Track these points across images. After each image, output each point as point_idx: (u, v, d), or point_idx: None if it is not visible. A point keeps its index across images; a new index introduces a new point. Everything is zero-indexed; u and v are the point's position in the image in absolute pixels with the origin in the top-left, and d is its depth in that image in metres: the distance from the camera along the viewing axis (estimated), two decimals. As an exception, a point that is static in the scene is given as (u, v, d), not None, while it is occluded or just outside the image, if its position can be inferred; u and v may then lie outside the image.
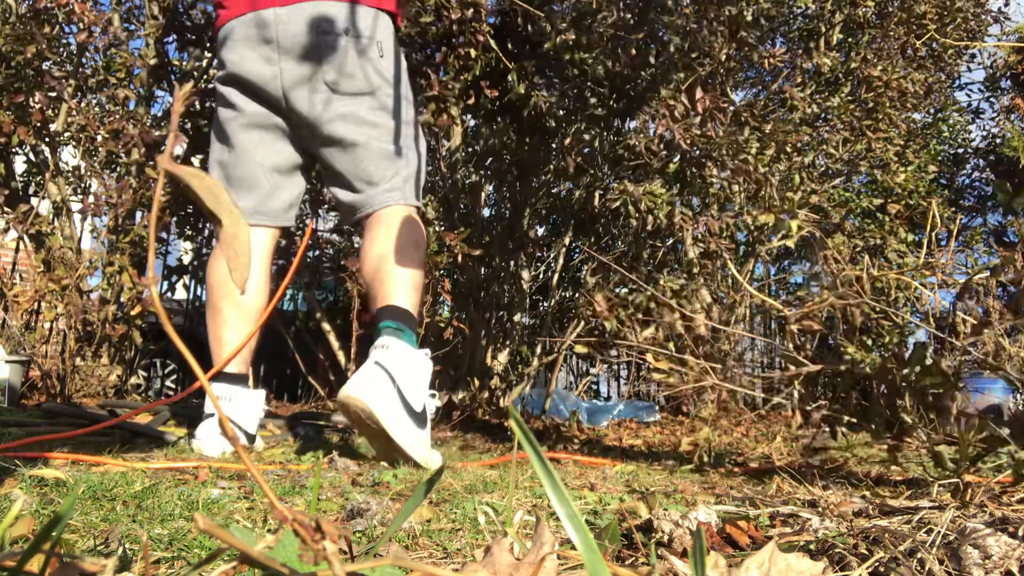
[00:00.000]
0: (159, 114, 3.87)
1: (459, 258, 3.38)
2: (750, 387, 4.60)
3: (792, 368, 1.61)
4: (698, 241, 3.90)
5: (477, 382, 3.91)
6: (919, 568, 0.75)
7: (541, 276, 4.83)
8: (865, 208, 5.45)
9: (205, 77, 3.78)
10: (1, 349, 2.99)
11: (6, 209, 3.27)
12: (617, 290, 3.99)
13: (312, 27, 1.90)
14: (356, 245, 4.06)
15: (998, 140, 7.68)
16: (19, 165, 3.69)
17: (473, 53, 3.24)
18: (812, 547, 0.85)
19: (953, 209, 6.72)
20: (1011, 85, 7.71)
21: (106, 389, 3.27)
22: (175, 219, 3.66)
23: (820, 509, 1.05)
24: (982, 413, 1.40)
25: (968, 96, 16.45)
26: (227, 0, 1.99)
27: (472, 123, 3.95)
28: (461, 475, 1.52)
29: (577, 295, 4.71)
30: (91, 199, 3.38)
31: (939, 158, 6.92)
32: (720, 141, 3.33)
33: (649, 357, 1.82)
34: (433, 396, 1.82)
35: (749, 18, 3.50)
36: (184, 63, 3.82)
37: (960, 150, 8.03)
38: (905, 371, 1.44)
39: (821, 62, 4.35)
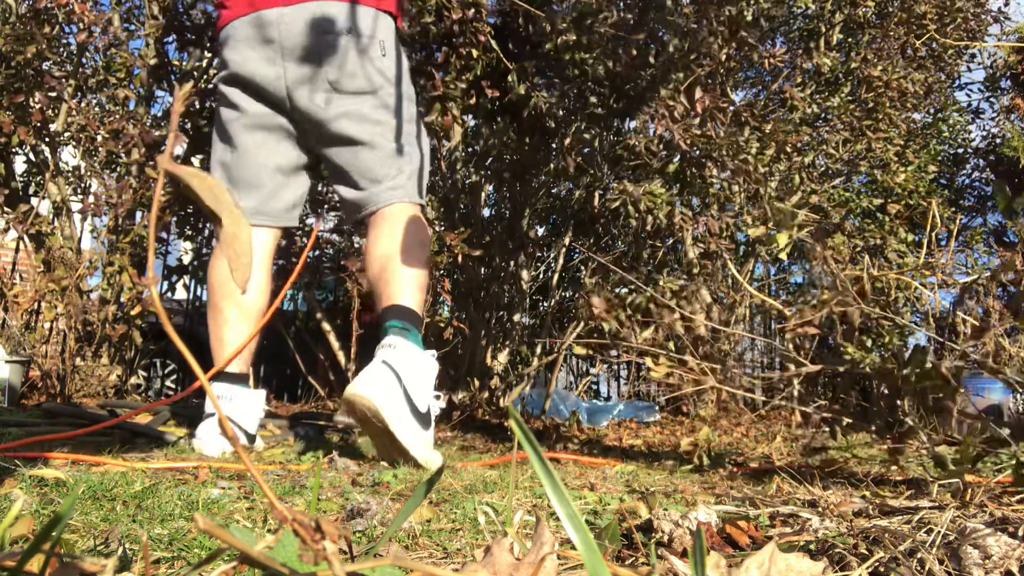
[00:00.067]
0: (159, 114, 3.87)
1: (459, 258, 3.38)
2: (750, 387, 4.60)
3: (792, 368, 1.61)
4: (698, 241, 3.90)
5: (477, 382, 3.91)
6: (919, 568, 0.75)
7: (541, 276, 4.83)
8: (865, 208, 5.45)
9: (205, 77, 3.78)
10: (1, 349, 2.99)
11: (6, 209, 3.27)
12: (617, 291, 3.99)
13: (314, 27, 1.91)
14: (356, 245, 4.06)
15: (998, 140, 7.68)
16: (19, 165, 3.69)
17: (475, 53, 3.24)
18: (812, 547, 0.85)
19: (953, 209, 6.72)
20: (1011, 85, 7.71)
21: (106, 389, 3.27)
22: (175, 219, 3.66)
23: (820, 509, 1.05)
24: (982, 413, 1.40)
25: (968, 96, 16.45)
26: (229, 0, 1.99)
27: (472, 123, 3.95)
28: (461, 475, 1.52)
29: (576, 296, 4.71)
30: (91, 199, 3.38)
31: (939, 158, 6.92)
32: (720, 141, 3.33)
33: (648, 360, 1.82)
34: (438, 398, 1.82)
35: (749, 18, 3.50)
36: (184, 63, 3.82)
37: (960, 150, 8.03)
38: (905, 372, 1.44)
39: (821, 62, 4.35)
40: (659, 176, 3.58)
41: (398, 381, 1.68)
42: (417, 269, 1.88)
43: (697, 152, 3.41)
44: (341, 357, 3.81)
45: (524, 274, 4.18)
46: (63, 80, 3.37)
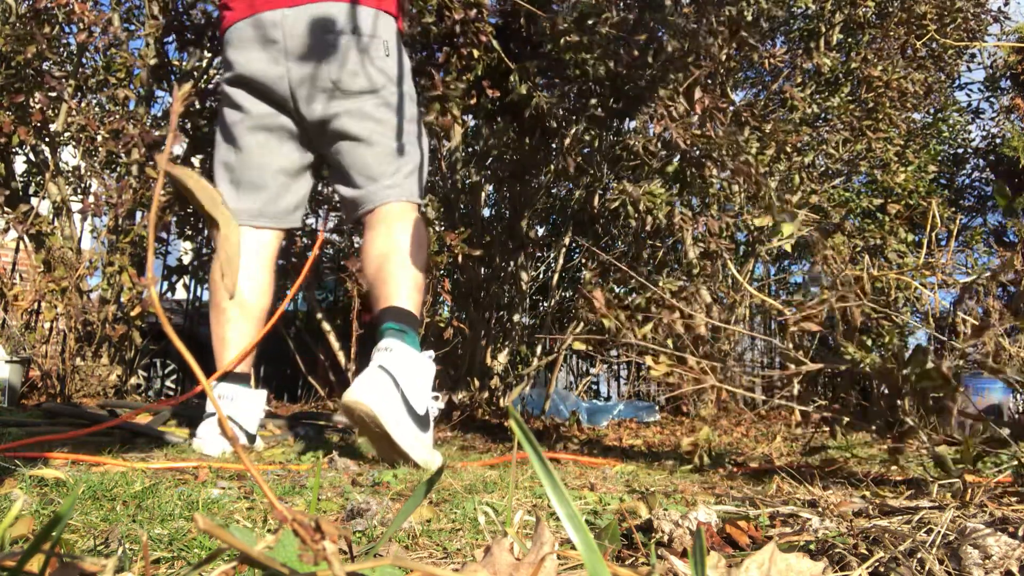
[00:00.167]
0: (159, 114, 3.87)
1: (459, 258, 3.38)
2: (750, 387, 4.60)
3: (792, 367, 1.61)
4: (698, 241, 3.90)
5: (477, 382, 3.91)
6: (919, 568, 0.75)
7: (541, 276, 4.83)
8: (865, 208, 5.45)
9: (205, 77, 3.78)
10: (1, 349, 2.99)
11: (6, 209, 3.27)
12: (616, 290, 3.99)
13: (318, 27, 1.91)
14: (356, 245, 4.06)
15: (998, 140, 7.67)
16: (19, 165, 3.69)
17: (476, 53, 3.24)
18: (812, 547, 0.85)
19: (953, 209, 6.72)
20: (1011, 85, 7.71)
21: (106, 389, 3.27)
22: (175, 219, 3.66)
23: (820, 509, 1.05)
24: (982, 413, 1.40)
25: (968, 96, 16.44)
26: (232, 2, 1.99)
27: (472, 123, 3.95)
28: (461, 475, 1.52)
29: (576, 295, 4.71)
30: (91, 199, 3.38)
31: (939, 158, 6.92)
32: (720, 141, 3.33)
33: (648, 360, 1.82)
34: (436, 399, 1.82)
35: (749, 18, 3.50)
36: (184, 63, 3.82)
37: (960, 150, 8.03)
38: (905, 372, 1.44)
39: (821, 62, 4.35)
40: (659, 176, 3.58)
41: (395, 386, 1.68)
42: (414, 269, 1.88)
43: (697, 152, 3.41)
44: (341, 357, 3.81)
45: (524, 274, 4.18)
46: (63, 80, 3.37)
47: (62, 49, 3.70)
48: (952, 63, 5.40)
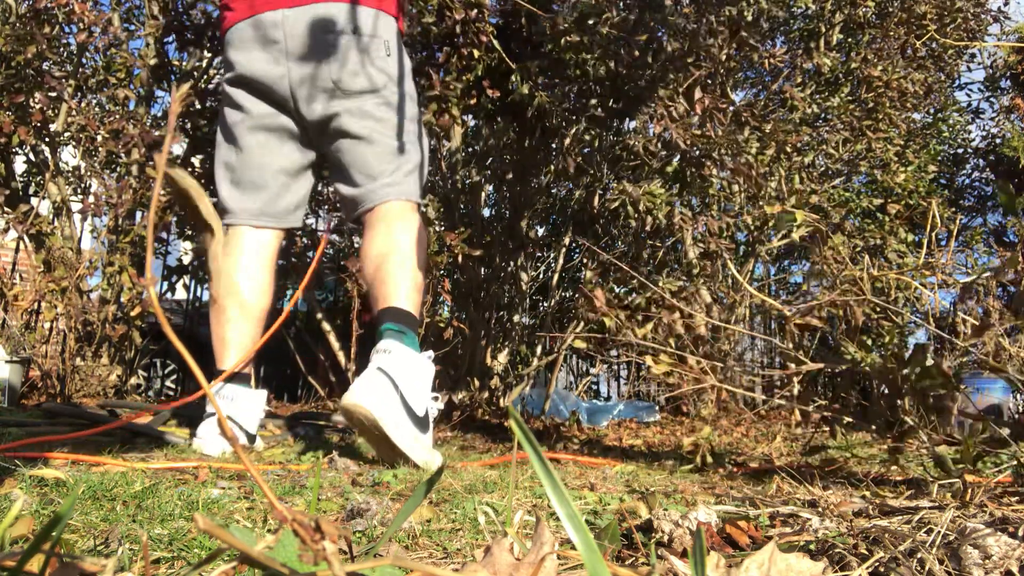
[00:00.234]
0: (159, 114, 3.87)
1: (459, 258, 3.38)
2: (750, 387, 4.60)
3: (792, 367, 1.61)
4: (698, 241, 3.90)
5: (477, 382, 3.91)
6: (919, 568, 0.75)
7: (541, 276, 4.83)
8: (865, 208, 5.45)
9: (205, 77, 3.78)
10: (1, 349, 2.99)
11: (6, 209, 3.27)
12: (617, 290, 3.99)
13: (318, 27, 1.92)
14: (356, 245, 4.06)
15: (998, 140, 7.67)
16: (19, 165, 3.69)
17: (476, 53, 3.24)
18: (812, 547, 0.85)
19: (953, 209, 6.72)
20: (1011, 85, 7.71)
21: (106, 389, 3.27)
22: (175, 219, 3.66)
23: (820, 509, 1.05)
24: (982, 413, 1.40)
25: (968, 96, 16.45)
26: (233, 2, 2.00)
27: (472, 123, 3.95)
28: (461, 475, 1.52)
29: (576, 295, 4.71)
30: (91, 199, 3.38)
31: (939, 158, 6.92)
32: (719, 141, 3.33)
33: (648, 359, 1.82)
34: (436, 399, 1.82)
35: (749, 18, 3.50)
36: (184, 63, 3.82)
37: (960, 150, 8.03)
38: (905, 371, 1.44)
39: (821, 62, 4.35)
40: (659, 176, 3.58)
41: (394, 388, 1.68)
42: (414, 270, 1.88)
43: (697, 152, 3.41)
44: (341, 357, 3.81)
45: (524, 274, 4.18)
46: (63, 80, 3.37)
47: (62, 49, 3.70)
48: (952, 63, 5.40)
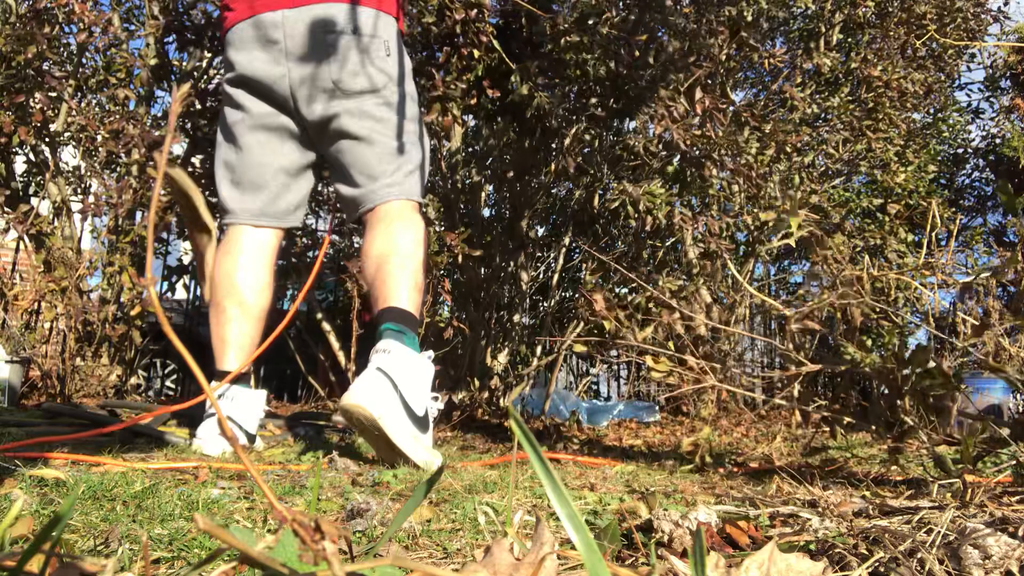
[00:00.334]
0: (159, 114, 3.87)
1: (459, 258, 3.38)
2: (750, 387, 4.60)
3: (792, 368, 1.61)
4: (698, 241, 3.90)
5: (477, 382, 3.91)
6: (919, 568, 0.75)
7: (541, 276, 4.83)
8: (865, 208, 5.45)
9: (205, 77, 3.78)
10: (1, 349, 2.99)
11: (6, 209, 3.27)
12: (617, 290, 3.99)
13: (318, 28, 1.92)
14: (356, 245, 4.06)
15: (998, 140, 7.67)
16: (19, 165, 3.69)
17: (476, 53, 3.24)
18: (812, 547, 0.85)
19: (953, 209, 6.72)
20: (1011, 85, 7.71)
21: (106, 389, 3.27)
22: (175, 219, 3.66)
23: (820, 509, 1.05)
24: (982, 413, 1.40)
25: (968, 96, 16.46)
26: (233, 3, 2.00)
27: (473, 123, 3.95)
28: (461, 475, 1.52)
29: (576, 295, 4.71)
30: (91, 199, 3.38)
31: (939, 158, 6.92)
32: (720, 141, 3.33)
33: (648, 360, 1.82)
34: (436, 399, 1.82)
35: (749, 18, 3.50)
36: (184, 63, 3.82)
37: (960, 150, 8.03)
38: (905, 371, 1.44)
39: (821, 62, 4.35)
40: (659, 176, 3.58)
41: (394, 388, 1.68)
42: (412, 270, 1.88)
43: (697, 152, 3.41)
44: (341, 357, 3.81)
45: (524, 274, 4.18)
46: (63, 80, 3.37)
47: (62, 49, 3.70)
48: (952, 63, 5.40)
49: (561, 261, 4.40)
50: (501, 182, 4.13)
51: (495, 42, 3.32)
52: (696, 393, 4.23)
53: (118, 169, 3.74)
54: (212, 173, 2.15)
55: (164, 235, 3.92)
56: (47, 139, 3.44)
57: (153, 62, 3.55)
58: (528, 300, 4.54)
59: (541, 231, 4.64)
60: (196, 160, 3.57)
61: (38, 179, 3.70)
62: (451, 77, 3.23)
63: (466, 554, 0.87)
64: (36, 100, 3.23)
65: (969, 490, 1.07)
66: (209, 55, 3.72)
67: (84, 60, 3.63)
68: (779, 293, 5.73)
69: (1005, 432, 1.28)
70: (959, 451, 1.27)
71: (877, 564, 0.76)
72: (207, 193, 3.02)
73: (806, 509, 1.06)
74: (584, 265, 4.48)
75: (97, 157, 3.59)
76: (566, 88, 3.64)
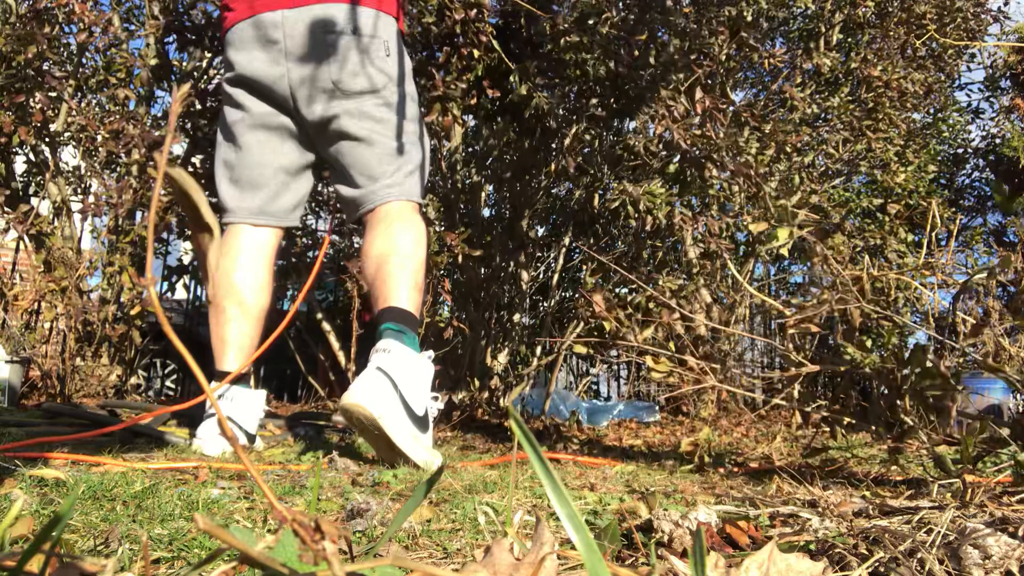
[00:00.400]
0: (159, 114, 3.87)
1: (459, 258, 3.38)
2: (750, 387, 4.60)
3: (792, 368, 1.61)
4: (698, 241, 3.90)
5: (477, 382, 3.91)
6: (919, 568, 0.75)
7: (541, 276, 4.83)
8: (865, 208, 5.45)
9: (205, 77, 3.78)
10: (1, 349, 2.99)
11: (6, 209, 3.27)
12: (617, 290, 3.99)
13: (318, 28, 1.92)
14: (356, 245, 4.06)
15: (998, 140, 7.67)
16: (19, 165, 3.69)
17: (476, 53, 3.24)
18: (812, 547, 0.85)
19: (953, 209, 6.72)
20: (1011, 85, 7.70)
21: (106, 389, 3.27)
22: (176, 219, 3.66)
23: (820, 509, 1.05)
24: (982, 413, 1.40)
25: (968, 96, 16.47)
26: (233, 3, 2.00)
27: (472, 123, 3.95)
28: (461, 475, 1.52)
29: (577, 295, 4.71)
30: (91, 199, 3.38)
31: (939, 158, 6.92)
32: (720, 142, 3.33)
33: (648, 360, 1.82)
34: (436, 399, 1.82)
35: (749, 18, 3.50)
36: (184, 63, 3.82)
37: (960, 150, 8.02)
38: (905, 372, 1.44)
39: (821, 62, 4.35)
40: (659, 176, 3.58)
41: (393, 388, 1.68)
42: (413, 270, 1.88)
43: (697, 152, 3.41)
44: (341, 357, 3.81)
45: (524, 274, 4.18)
46: (63, 80, 3.37)
47: (62, 49, 3.70)
48: (952, 63, 5.40)
49: (561, 261, 4.40)
50: (501, 182, 4.13)
51: (495, 42, 3.32)
52: (696, 393, 4.23)
53: (118, 169, 3.74)
54: (212, 173, 2.15)
55: (164, 235, 3.92)
56: (47, 139, 3.44)
57: (153, 62, 3.55)
58: (528, 300, 4.54)
59: (541, 231, 4.64)
60: (196, 160, 3.57)
61: (38, 179, 3.70)
62: (451, 77, 3.23)
63: (466, 554, 0.87)
64: (36, 100, 3.23)
65: (969, 490, 1.07)
66: (209, 55, 3.72)
67: (84, 60, 3.63)
68: (779, 293, 5.73)
69: (1005, 432, 1.28)
70: (959, 451, 1.27)
71: (877, 564, 0.76)
72: (207, 193, 3.02)
73: (806, 509, 1.06)
74: (584, 265, 4.48)
75: (97, 157, 3.59)
76: (566, 88, 3.64)
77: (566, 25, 3.25)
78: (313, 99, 1.95)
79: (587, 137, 3.71)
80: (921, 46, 4.88)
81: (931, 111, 6.54)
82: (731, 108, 3.68)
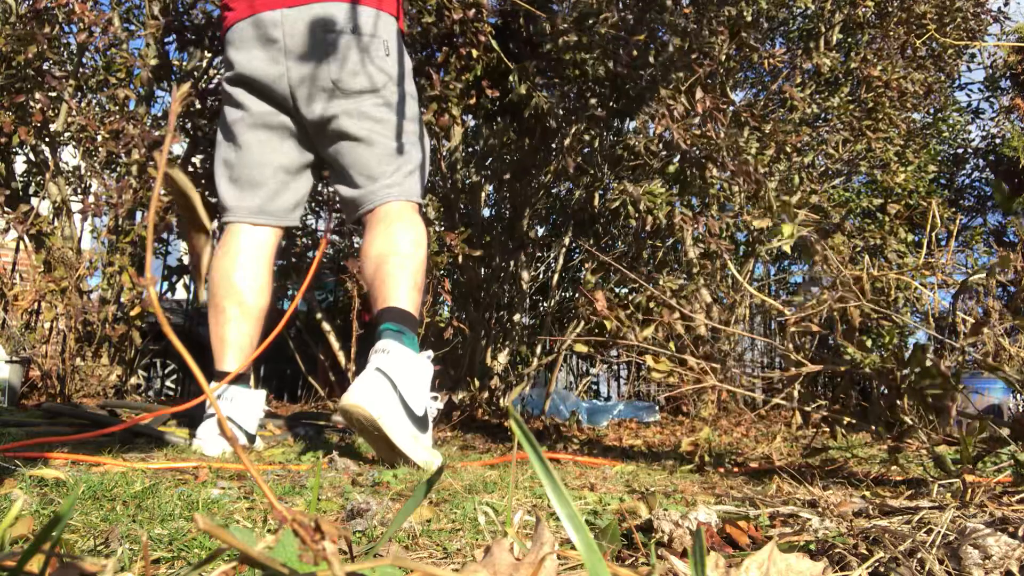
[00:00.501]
0: (159, 114, 3.87)
1: (459, 258, 3.38)
2: (750, 387, 4.60)
3: (792, 368, 1.61)
4: (698, 241, 3.90)
5: (477, 382, 3.91)
6: (919, 568, 0.75)
7: (541, 276, 4.83)
8: (865, 208, 5.45)
9: (205, 77, 3.78)
10: (1, 349, 2.99)
11: (6, 209, 3.27)
12: (617, 290, 3.99)
13: (318, 27, 1.92)
14: (356, 245, 4.06)
15: (998, 140, 7.67)
16: (19, 165, 3.69)
17: (475, 53, 3.24)
18: (812, 547, 0.85)
19: (953, 209, 6.72)
20: (1011, 85, 7.70)
21: (106, 389, 3.27)
22: (176, 219, 3.66)
23: (820, 509, 1.05)
24: (982, 413, 1.40)
25: (968, 96, 16.48)
26: (233, 2, 2.00)
27: (472, 123, 3.95)
28: (461, 475, 1.52)
29: (577, 295, 4.71)
30: (91, 199, 3.38)
31: (939, 158, 6.92)
32: (720, 142, 3.33)
33: (649, 359, 1.82)
34: (435, 399, 1.82)
35: (749, 18, 3.50)
36: (184, 63, 3.82)
37: (960, 150, 8.03)
38: (905, 372, 1.44)
39: (821, 62, 4.35)
40: (659, 176, 3.58)
41: (393, 388, 1.68)
42: (412, 270, 1.88)
43: (697, 152, 3.41)
44: (341, 357, 3.81)
45: (524, 274, 4.18)
46: (63, 80, 3.37)
47: (62, 49, 3.70)
48: (952, 63, 5.40)
49: (561, 261, 4.40)
50: (501, 182, 4.13)
51: (494, 42, 3.32)
52: (696, 393, 4.23)
53: (118, 169, 3.74)
54: (212, 173, 2.15)
55: (164, 235, 3.92)
56: (47, 139, 3.44)
57: (153, 62, 3.55)
58: (528, 300, 4.54)
59: (541, 231, 4.64)
60: (196, 160, 3.57)
61: (38, 179, 3.70)
62: (450, 77, 3.23)
63: (466, 554, 0.87)
64: (36, 100, 3.23)
65: (969, 490, 1.08)
66: (209, 55, 3.72)
67: (84, 60, 3.63)
68: (779, 293, 5.73)
69: (1005, 432, 1.28)
70: (959, 451, 1.27)
71: (877, 564, 0.76)
72: (207, 193, 3.02)
73: (806, 509, 1.06)
74: (584, 265, 4.48)
75: (97, 157, 3.59)
76: (565, 88, 3.64)
77: (565, 25, 3.25)
78: (313, 98, 1.95)
79: (587, 137, 3.71)
80: (921, 46, 4.88)
81: (931, 111, 6.54)
82: (731, 108, 3.68)
